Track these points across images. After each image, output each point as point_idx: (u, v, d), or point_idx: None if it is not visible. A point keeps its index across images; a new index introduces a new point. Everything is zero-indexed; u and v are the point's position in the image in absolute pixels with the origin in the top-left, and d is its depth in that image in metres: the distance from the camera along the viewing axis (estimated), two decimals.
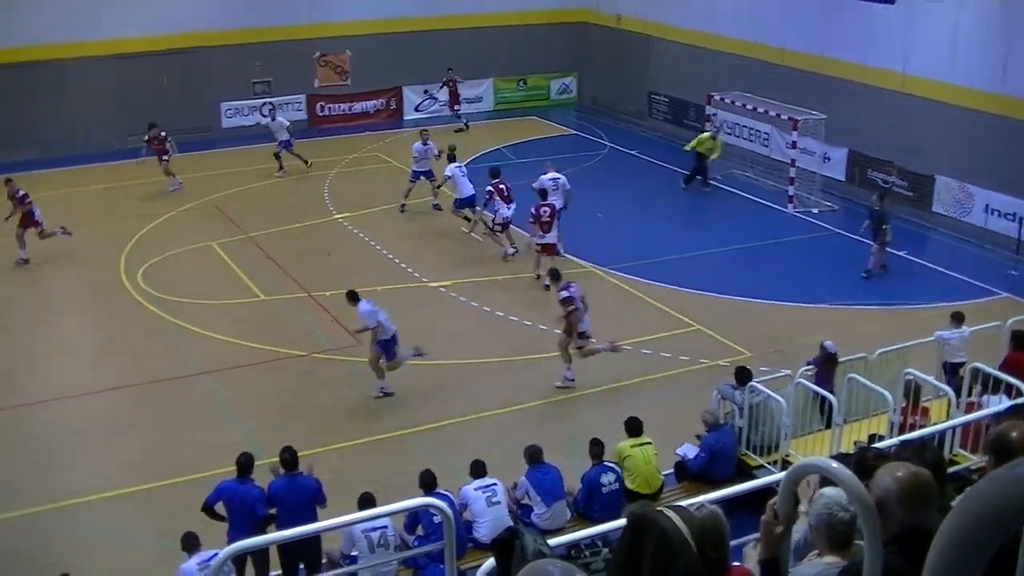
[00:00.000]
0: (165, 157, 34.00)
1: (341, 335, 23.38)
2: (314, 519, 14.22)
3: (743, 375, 17.29)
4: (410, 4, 41.90)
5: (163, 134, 33.97)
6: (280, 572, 14.73)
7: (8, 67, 37.17)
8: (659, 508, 4.18)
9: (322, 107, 42.50)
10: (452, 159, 30.45)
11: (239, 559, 13.55)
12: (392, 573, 14.54)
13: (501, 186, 28.20)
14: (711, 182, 33.54)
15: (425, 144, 31.77)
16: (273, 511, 14.55)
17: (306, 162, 35.78)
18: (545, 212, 25.70)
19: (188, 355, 23.03)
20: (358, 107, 42.69)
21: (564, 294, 20.93)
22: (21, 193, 28.49)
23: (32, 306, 26.05)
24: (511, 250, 27.68)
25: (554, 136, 40.66)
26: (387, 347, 20.62)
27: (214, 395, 21.30)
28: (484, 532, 14.51)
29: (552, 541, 5.89)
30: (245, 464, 14.64)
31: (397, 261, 27.66)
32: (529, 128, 41.54)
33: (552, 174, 27.94)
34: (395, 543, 14.49)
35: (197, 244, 29.31)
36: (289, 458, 14.75)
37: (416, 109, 43.47)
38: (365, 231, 29.93)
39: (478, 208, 29.18)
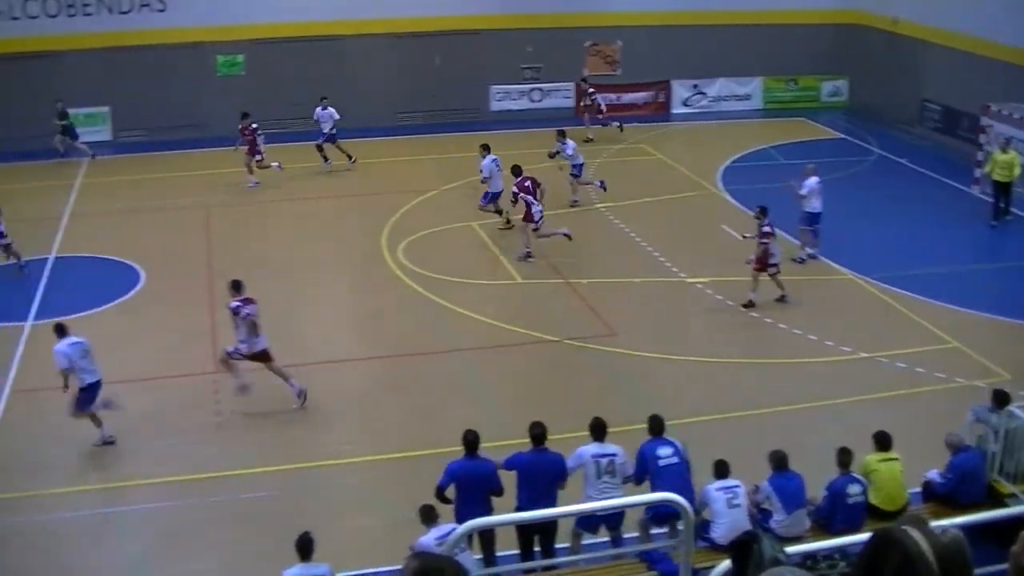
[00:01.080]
0: (256, 155, 33.43)
1: (595, 324, 23.61)
2: (555, 496, 14.52)
3: (1001, 398, 16.69)
4: None
5: (254, 126, 33.51)
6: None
7: (292, 42, 38.65)
8: (903, 527, 4.13)
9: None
10: (487, 151, 29.65)
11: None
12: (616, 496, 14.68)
13: (527, 183, 27.66)
14: (1007, 209, 31.17)
15: (564, 143, 31.85)
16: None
17: (350, 157, 35.31)
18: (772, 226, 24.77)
19: (443, 331, 23.60)
20: (626, 98, 42.74)
21: (234, 304, 20.12)
22: None
23: (300, 272, 27.10)
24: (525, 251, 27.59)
25: (822, 139, 39.93)
26: (86, 395, 18.93)
27: (465, 373, 21.73)
28: (720, 533, 14.42)
29: (789, 549, 5.87)
30: (473, 441, 14.79)
31: (656, 254, 27.65)
32: (797, 129, 40.88)
33: (815, 178, 27.31)
34: (623, 473, 14.76)
35: (458, 223, 29.94)
36: (539, 433, 14.88)
37: (684, 104, 43.31)
38: (626, 222, 30.01)
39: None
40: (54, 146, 37.11)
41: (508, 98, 41.83)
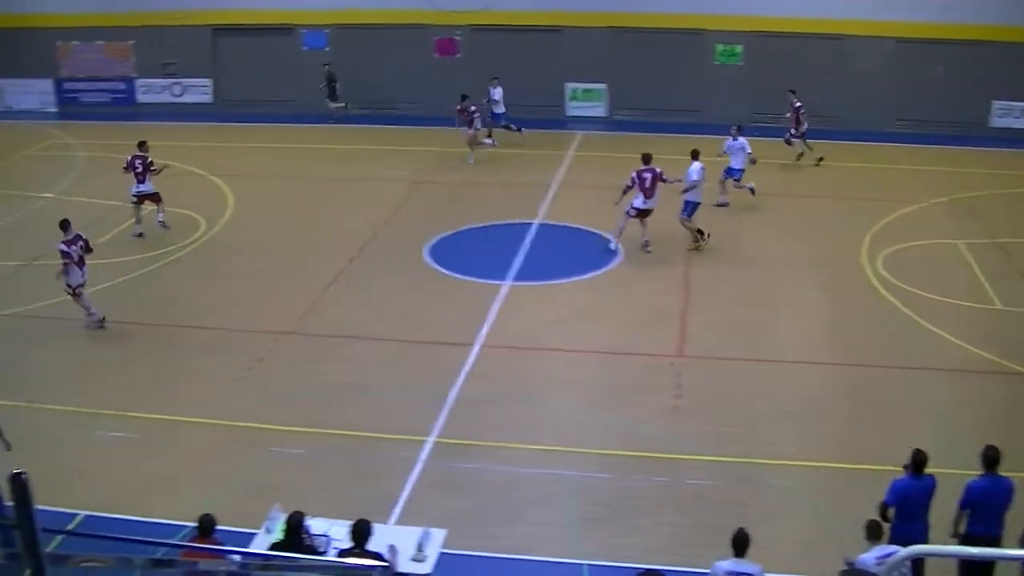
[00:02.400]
0: (469, 129, 35.76)
1: None
2: (1003, 525, 13.97)
3: None
4: None
5: (472, 108, 35.81)
6: None
7: (791, 36, 38.75)
8: None
9: None
10: (695, 157, 28.00)
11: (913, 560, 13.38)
12: None
13: (645, 174, 26.92)
14: None
15: (735, 140, 30.80)
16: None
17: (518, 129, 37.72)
18: None
19: (910, 346, 22.97)
20: None
21: (62, 247, 23.10)
22: (148, 159, 28.58)
23: (776, 268, 27.27)
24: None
25: None
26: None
27: (924, 392, 21.08)
28: None
29: None
30: (922, 461, 14.26)
31: None
32: None
33: None
34: None
35: (942, 240, 29.04)
36: (994, 457, 14.15)
37: None
38: None
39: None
40: (329, 111, 41.27)
41: (1010, 115, 39.98)
